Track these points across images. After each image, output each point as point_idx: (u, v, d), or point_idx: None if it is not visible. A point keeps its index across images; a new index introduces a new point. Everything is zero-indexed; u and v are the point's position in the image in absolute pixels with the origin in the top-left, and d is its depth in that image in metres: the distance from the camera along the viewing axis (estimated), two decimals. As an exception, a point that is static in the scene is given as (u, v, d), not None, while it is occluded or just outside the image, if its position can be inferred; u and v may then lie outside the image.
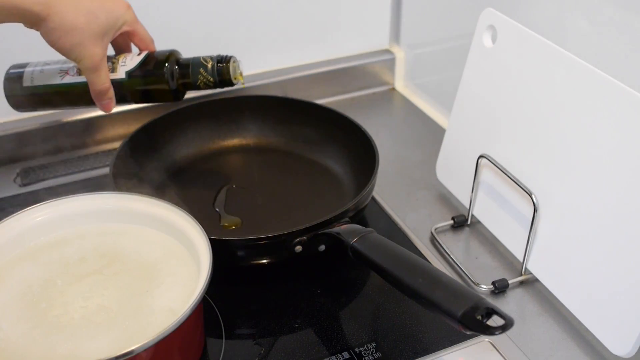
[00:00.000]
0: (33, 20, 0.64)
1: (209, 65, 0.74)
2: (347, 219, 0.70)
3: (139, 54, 0.76)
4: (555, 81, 0.68)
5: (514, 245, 0.75)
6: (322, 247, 0.70)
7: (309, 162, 0.91)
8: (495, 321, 0.53)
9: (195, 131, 0.91)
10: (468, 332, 0.54)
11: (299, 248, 0.69)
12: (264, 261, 0.71)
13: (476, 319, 0.53)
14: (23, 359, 0.54)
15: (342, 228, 0.68)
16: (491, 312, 0.53)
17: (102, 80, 0.71)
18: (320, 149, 0.91)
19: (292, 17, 1.02)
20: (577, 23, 0.75)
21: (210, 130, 0.92)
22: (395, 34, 1.10)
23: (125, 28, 0.73)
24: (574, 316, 0.68)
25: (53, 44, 0.67)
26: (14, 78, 0.77)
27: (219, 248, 0.62)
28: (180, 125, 0.90)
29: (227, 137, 0.93)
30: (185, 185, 0.86)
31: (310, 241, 0.69)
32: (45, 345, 0.55)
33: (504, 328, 0.52)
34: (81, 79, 0.74)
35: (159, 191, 0.82)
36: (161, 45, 0.79)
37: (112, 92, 0.73)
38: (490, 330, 0.52)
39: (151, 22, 0.80)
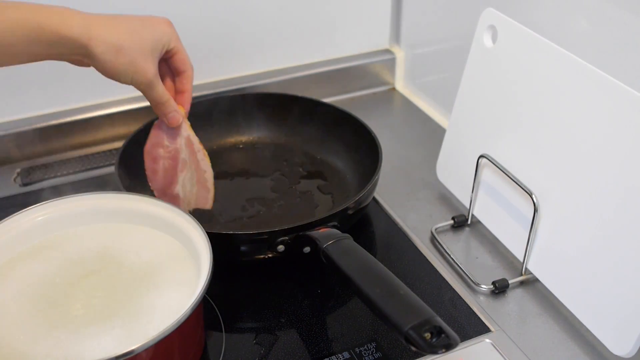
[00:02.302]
0: (76, 47, 0.63)
1: None
2: (334, 223, 0.70)
3: None
4: (556, 81, 0.68)
5: (514, 245, 0.75)
6: (307, 249, 0.69)
7: (312, 160, 0.91)
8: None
9: (196, 130, 0.91)
10: (413, 349, 0.52)
11: (281, 247, 0.69)
12: (249, 259, 0.71)
13: (421, 336, 0.52)
14: (23, 359, 0.54)
15: (321, 231, 0.67)
16: (439, 330, 0.53)
17: (160, 93, 0.70)
18: (323, 147, 0.91)
19: (292, 17, 1.01)
20: (577, 23, 0.75)
21: (210, 128, 0.92)
22: (396, 34, 1.10)
23: (172, 44, 0.70)
24: (574, 316, 0.68)
25: (106, 70, 0.65)
26: None
27: (212, 243, 0.62)
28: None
29: (228, 135, 0.94)
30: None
31: (293, 242, 0.69)
32: (45, 345, 0.55)
33: (447, 347, 0.51)
34: None
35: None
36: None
37: (174, 104, 0.72)
38: (433, 349, 0.51)
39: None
